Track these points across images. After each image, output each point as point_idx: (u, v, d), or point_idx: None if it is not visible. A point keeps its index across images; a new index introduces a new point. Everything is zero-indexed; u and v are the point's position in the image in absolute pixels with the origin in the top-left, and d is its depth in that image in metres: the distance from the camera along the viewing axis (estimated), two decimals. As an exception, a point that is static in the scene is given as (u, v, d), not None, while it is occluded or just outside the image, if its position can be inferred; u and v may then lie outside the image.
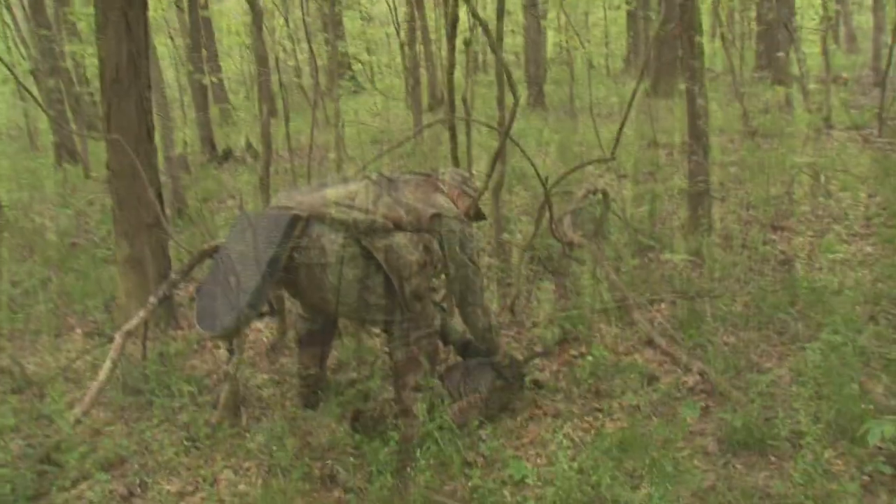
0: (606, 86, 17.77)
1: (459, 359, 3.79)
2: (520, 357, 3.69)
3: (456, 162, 4.34)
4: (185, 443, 3.38)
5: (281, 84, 7.52)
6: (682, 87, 13.19)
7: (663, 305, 4.58)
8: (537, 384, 3.71)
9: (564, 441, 3.02)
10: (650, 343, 4.08)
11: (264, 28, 6.68)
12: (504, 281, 5.11)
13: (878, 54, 14.44)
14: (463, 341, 3.80)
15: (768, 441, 3.06)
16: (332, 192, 3.16)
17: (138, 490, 3.10)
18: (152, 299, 3.88)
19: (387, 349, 3.42)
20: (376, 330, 3.82)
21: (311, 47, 8.39)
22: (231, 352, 3.81)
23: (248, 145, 12.51)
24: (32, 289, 6.03)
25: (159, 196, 5.01)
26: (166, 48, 22.83)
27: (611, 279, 4.48)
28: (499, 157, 3.57)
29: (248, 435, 3.49)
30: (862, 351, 3.64)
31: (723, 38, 11.48)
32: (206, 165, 11.87)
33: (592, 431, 3.28)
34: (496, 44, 3.58)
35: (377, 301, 3.12)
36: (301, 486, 3.00)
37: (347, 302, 3.11)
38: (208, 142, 12.66)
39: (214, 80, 13.65)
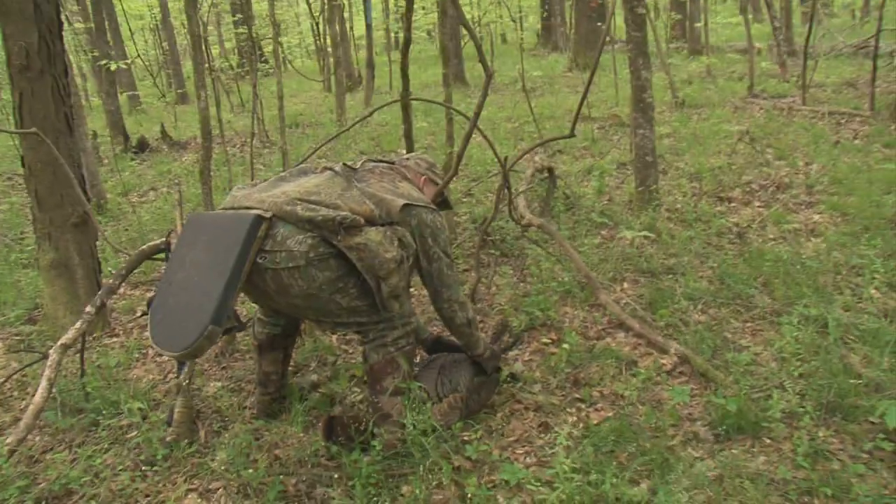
0: (526, 61, 17.70)
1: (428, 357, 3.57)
2: (496, 349, 3.49)
3: (410, 143, 4.09)
4: (141, 467, 3.06)
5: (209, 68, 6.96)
6: (604, 59, 13.20)
7: (626, 285, 4.46)
8: (513, 377, 3.53)
9: (559, 438, 2.83)
10: (621, 325, 3.94)
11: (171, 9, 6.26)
12: (459, 267, 4.91)
13: (788, 23, 14.75)
14: (431, 338, 3.59)
15: (762, 423, 2.96)
16: (294, 188, 2.87)
17: (91, 525, 2.78)
18: (89, 309, 3.51)
19: (353, 356, 3.16)
20: (348, 332, 3.55)
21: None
22: (242, 324, 3.51)
23: (164, 133, 11.93)
24: (-60, 299, 5.51)
25: (85, 192, 4.60)
26: (65, 33, 21.78)
27: (573, 259, 4.32)
28: (469, 136, 3.34)
29: (209, 452, 3.21)
30: (837, 322, 3.58)
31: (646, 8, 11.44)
32: (120, 156, 11.25)
33: (580, 425, 3.12)
34: (460, 18, 3.34)
35: (351, 304, 2.86)
36: (276, 507, 2.74)
37: (318, 307, 2.85)
38: (120, 131, 12.01)
39: (123, 65, 12.91)
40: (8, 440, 3.08)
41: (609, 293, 4.29)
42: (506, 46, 23.17)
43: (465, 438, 3.07)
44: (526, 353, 3.82)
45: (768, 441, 2.92)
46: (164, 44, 21.38)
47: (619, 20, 13.78)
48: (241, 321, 2.85)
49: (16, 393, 3.97)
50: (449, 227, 5.17)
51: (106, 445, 3.24)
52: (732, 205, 5.74)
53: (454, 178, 3.50)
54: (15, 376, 4.02)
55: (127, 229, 7.04)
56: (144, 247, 3.70)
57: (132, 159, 11.07)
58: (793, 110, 8.87)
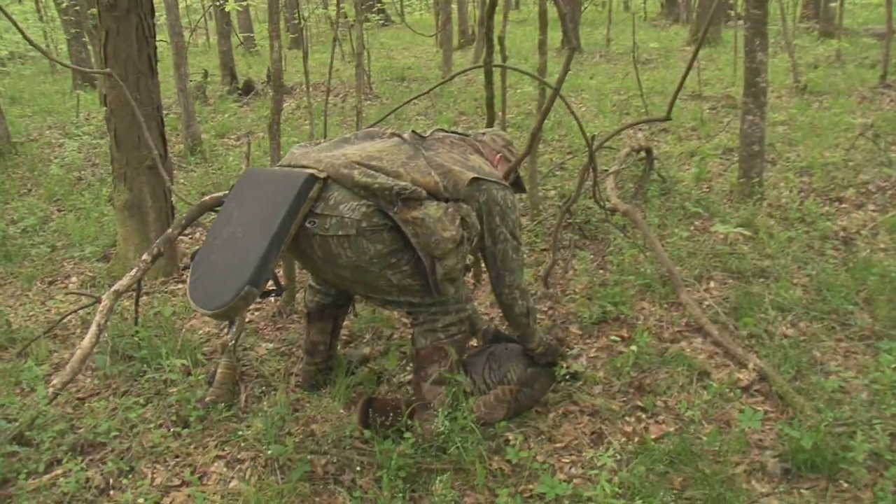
0: (645, 30, 16.99)
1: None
2: (556, 342, 3.27)
3: (491, 109, 3.85)
4: (174, 426, 3.01)
5: (299, 17, 6.88)
6: (726, 34, 12.50)
7: (713, 284, 4.13)
8: (574, 376, 3.30)
9: (608, 452, 2.61)
10: (699, 330, 3.64)
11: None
12: (537, 247, 4.68)
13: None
14: (490, 331, 3.40)
15: (841, 464, 2.64)
16: (356, 150, 2.70)
17: (118, 481, 2.73)
18: (146, 257, 3.47)
19: (410, 332, 2.99)
20: (399, 312, 3.38)
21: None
22: (283, 288, 3.44)
23: (270, 77, 12.00)
24: (31, 228, 5.67)
25: (162, 136, 4.59)
26: (188, -29, 22.20)
27: (657, 251, 4.02)
28: (546, 112, 3.09)
29: (246, 418, 3.13)
30: (946, 357, 3.19)
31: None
32: (225, 97, 11.40)
33: (636, 438, 2.88)
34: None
35: (403, 281, 2.68)
36: (301, 487, 2.62)
37: (367, 280, 2.69)
38: (229, 72, 12.17)
39: (238, 7, 13.04)
40: (53, 381, 3.08)
41: (691, 292, 3.98)
42: (627, 14, 22.34)
43: (509, 438, 2.88)
44: (592, 349, 3.58)
45: (845, 485, 2.61)
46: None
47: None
48: (280, 284, 2.72)
49: (78, 331, 4.00)
50: (533, 202, 4.94)
51: (144, 399, 3.20)
52: (843, 206, 5.27)
53: (527, 157, 3.25)
54: (81, 313, 4.07)
55: (215, 172, 7.08)
56: (206, 198, 3.61)
57: (236, 101, 11.19)
58: (928, 104, 8.12)
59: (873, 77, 9.70)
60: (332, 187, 2.58)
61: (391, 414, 2.87)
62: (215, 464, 2.81)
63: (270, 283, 2.66)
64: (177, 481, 2.73)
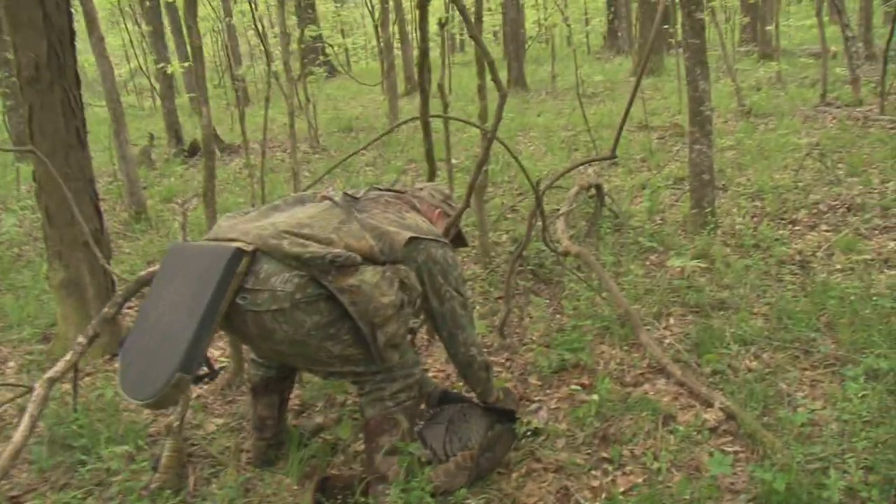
0: (589, 64, 17.21)
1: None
2: (515, 396, 3.14)
3: (431, 161, 3.76)
4: (116, 521, 2.81)
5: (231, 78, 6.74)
6: (668, 62, 12.70)
7: (672, 321, 4.04)
8: (535, 432, 3.17)
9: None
10: (662, 371, 3.53)
11: (235, 12, 6.06)
12: (491, 296, 4.56)
13: (868, 25, 13.94)
14: (438, 392, 3.25)
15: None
16: (285, 218, 2.57)
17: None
18: (81, 339, 3.28)
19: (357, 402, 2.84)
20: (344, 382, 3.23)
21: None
22: (217, 371, 3.25)
23: (215, 137, 11.85)
24: (-35, 310, 5.40)
25: (97, 209, 4.41)
26: (131, 34, 22.06)
27: (612, 292, 3.93)
28: (483, 163, 2.99)
29: (194, 503, 2.94)
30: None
31: (713, 10, 10.88)
32: (171, 160, 11.22)
33: (603, 494, 2.74)
34: (475, 27, 3.00)
35: (344, 352, 2.54)
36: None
37: (307, 354, 2.54)
38: (175, 134, 12.01)
39: (181, 68, 12.95)
40: (-17, 481, 2.86)
41: (651, 331, 3.88)
42: (570, 49, 22.68)
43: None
44: (553, 400, 3.45)
45: (823, 527, 2.50)
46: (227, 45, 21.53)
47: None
48: (213, 368, 2.55)
49: (15, 421, 3.77)
50: (484, 249, 4.83)
51: (87, 491, 3.00)
52: (797, 228, 5.25)
53: (469, 208, 3.14)
54: (19, 401, 3.84)
55: (161, 239, 6.89)
56: (144, 273, 3.45)
57: (182, 163, 11.02)
58: (869, 120, 8.24)
59: (814, 96, 9.87)
60: (262, 260, 2.43)
61: (346, 492, 2.70)
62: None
63: (204, 366, 2.49)
64: None
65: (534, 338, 4.02)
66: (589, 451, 3.05)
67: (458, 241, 3.19)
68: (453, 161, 6.61)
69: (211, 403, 3.78)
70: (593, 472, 2.91)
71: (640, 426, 3.14)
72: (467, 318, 2.81)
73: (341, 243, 2.47)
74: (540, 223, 3.98)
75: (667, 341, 3.80)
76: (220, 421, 3.59)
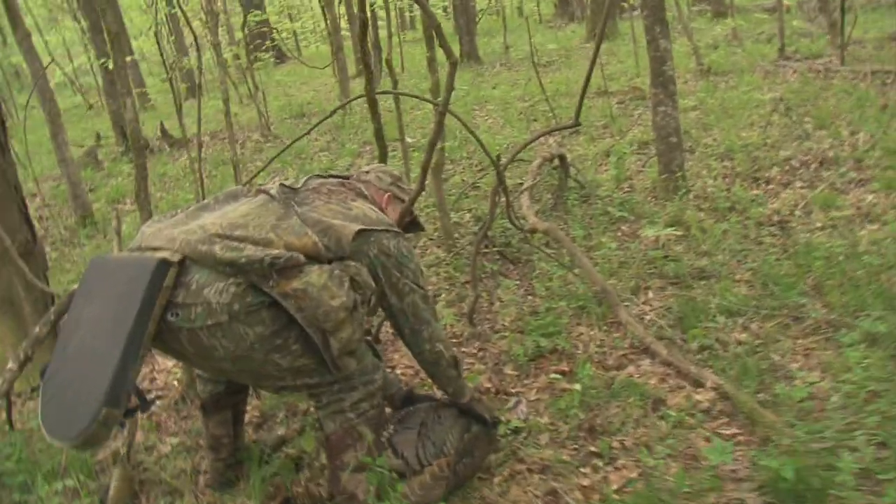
0: (541, 33, 16.92)
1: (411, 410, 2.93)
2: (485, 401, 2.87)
3: (381, 142, 3.45)
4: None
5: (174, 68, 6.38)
6: (623, 27, 12.52)
7: (651, 295, 3.79)
8: (516, 430, 2.91)
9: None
10: (646, 350, 3.29)
11: (179, 3, 5.65)
12: (457, 280, 4.28)
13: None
14: (402, 393, 2.98)
15: (830, 490, 2.30)
16: (216, 219, 2.25)
17: None
18: (11, 365, 2.95)
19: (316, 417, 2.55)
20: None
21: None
22: (121, 423, 2.93)
23: (163, 132, 11.41)
24: None
25: (26, 218, 4.05)
26: (74, 32, 21.31)
27: (586, 269, 3.67)
28: (436, 139, 2.70)
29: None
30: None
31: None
32: (119, 160, 10.77)
33: (595, 495, 2.49)
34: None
35: (295, 363, 2.24)
36: None
37: (253, 369, 2.25)
38: (121, 132, 11.50)
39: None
40: None
41: (630, 308, 3.64)
42: (522, 19, 22.33)
43: (451, 521, 2.46)
44: (532, 392, 3.19)
45: (839, 514, 2.27)
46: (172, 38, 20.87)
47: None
48: (145, 399, 2.22)
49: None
50: (446, 231, 4.55)
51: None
52: (770, 187, 5.03)
53: (423, 191, 2.86)
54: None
55: (109, 243, 6.51)
56: (77, 287, 3.10)
57: (130, 162, 10.56)
58: (830, 72, 8.07)
59: (772, 51, 9.70)
60: (192, 269, 2.12)
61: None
62: None
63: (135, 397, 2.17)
64: None
65: (506, 324, 3.75)
66: (576, 445, 2.79)
67: (413, 226, 2.91)
68: (408, 140, 6.31)
69: (164, 421, 3.46)
70: (582, 470, 2.65)
71: (628, 414, 2.89)
72: (430, 311, 2.53)
73: (280, 243, 2.17)
74: (503, 200, 3.71)
75: (648, 318, 3.56)
76: (174, 440, 3.27)
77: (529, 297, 3.99)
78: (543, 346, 3.40)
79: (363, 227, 2.33)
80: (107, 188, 8.99)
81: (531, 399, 3.14)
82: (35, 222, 7.09)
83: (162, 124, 11.55)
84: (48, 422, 2.05)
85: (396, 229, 2.45)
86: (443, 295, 4.20)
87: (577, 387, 2.97)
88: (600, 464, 2.67)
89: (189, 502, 2.81)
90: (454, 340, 3.72)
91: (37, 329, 3.08)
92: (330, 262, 2.24)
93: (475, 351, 3.60)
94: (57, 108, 7.52)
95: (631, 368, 3.22)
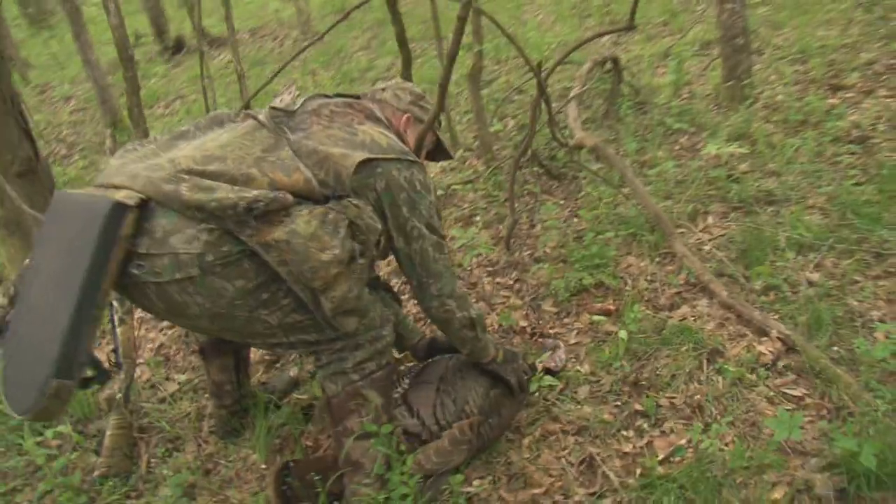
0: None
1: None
2: (512, 350, 2.55)
3: (404, 49, 3.05)
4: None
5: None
6: None
7: (711, 220, 3.37)
8: (550, 372, 2.59)
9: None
10: (703, 289, 2.91)
11: None
12: (497, 200, 3.91)
13: None
14: (424, 342, 2.66)
15: (918, 475, 1.95)
16: (191, 151, 1.89)
17: None
18: (1, 300, 2.71)
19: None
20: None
21: None
22: (118, 364, 2.70)
23: (203, 31, 10.92)
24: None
25: (27, 133, 3.76)
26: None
27: (638, 192, 3.26)
28: (455, 49, 2.28)
29: (148, 490, 2.45)
30: None
31: None
32: (154, 60, 10.39)
33: (637, 469, 2.18)
34: None
35: (286, 319, 1.94)
36: None
37: (237, 328, 1.94)
38: (158, 30, 11.05)
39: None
40: None
41: (687, 237, 3.24)
42: None
43: (472, 490, 2.18)
44: (572, 334, 2.86)
45: (927, 504, 1.93)
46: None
47: None
48: (104, 370, 1.93)
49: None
50: (484, 144, 4.14)
51: (13, 485, 2.51)
52: (849, 95, 4.47)
53: (442, 114, 2.46)
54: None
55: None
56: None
57: (167, 62, 10.19)
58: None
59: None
60: (157, 213, 1.78)
61: (319, 478, 2.16)
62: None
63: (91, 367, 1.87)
64: None
65: (547, 251, 3.39)
66: (618, 402, 2.48)
67: (438, 154, 2.52)
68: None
69: (173, 356, 3.24)
70: (624, 433, 2.35)
71: (679, 366, 2.54)
72: (443, 263, 2.16)
73: (264, 180, 1.82)
74: (546, 113, 3.29)
75: (706, 248, 3.16)
76: (182, 377, 3.05)
77: (574, 221, 3.61)
78: (587, 282, 3.04)
79: (369, 155, 1.95)
80: (141, 90, 8.66)
81: (571, 343, 2.81)
82: (66, 128, 6.85)
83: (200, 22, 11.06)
84: (6, 389, 1.79)
85: (412, 157, 2.07)
86: (479, 216, 3.84)
87: (623, 334, 2.62)
88: (645, 426, 2.36)
89: (190, 451, 2.60)
90: (489, 268, 3.39)
91: (28, 260, 2.83)
92: (327, 200, 1.88)
93: (511, 282, 3.26)
94: (75, 5, 7.11)
95: (685, 309, 2.85)
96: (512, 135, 4.70)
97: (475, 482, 2.22)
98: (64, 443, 2.73)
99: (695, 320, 2.76)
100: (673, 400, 2.42)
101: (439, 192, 4.11)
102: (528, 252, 3.42)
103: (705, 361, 2.55)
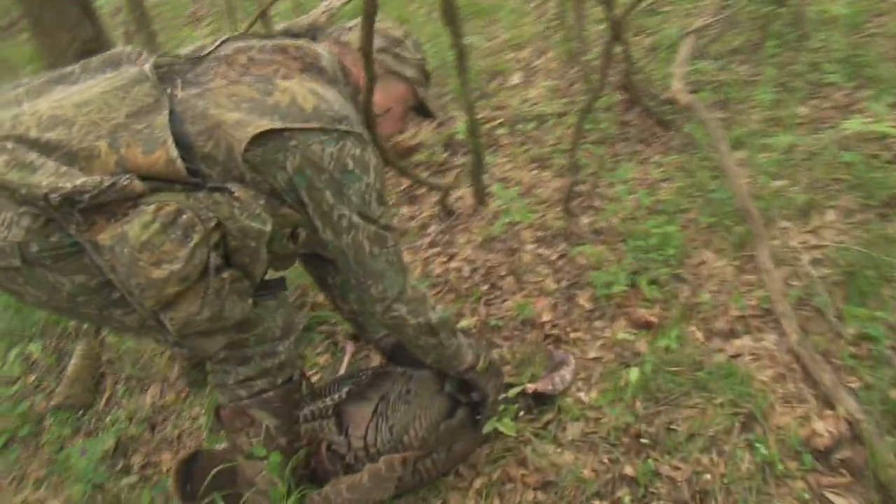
0: None
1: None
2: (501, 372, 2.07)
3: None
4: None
5: None
6: None
7: (830, 218, 2.61)
8: (539, 399, 2.11)
9: None
10: (776, 321, 2.25)
11: None
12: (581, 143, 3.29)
13: None
14: (391, 342, 2.22)
15: None
16: (46, 106, 1.47)
17: None
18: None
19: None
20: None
21: None
22: None
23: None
24: None
25: (87, 12, 3.52)
26: None
27: (729, 174, 2.57)
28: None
29: (97, 432, 2.30)
30: None
31: None
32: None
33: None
34: None
35: (149, 322, 1.57)
36: None
37: (90, 321, 1.63)
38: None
39: None
40: None
41: (785, 238, 2.53)
42: None
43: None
44: (594, 348, 2.32)
45: None
46: None
47: None
48: None
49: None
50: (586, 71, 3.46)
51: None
52: None
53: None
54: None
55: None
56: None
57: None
58: None
59: None
60: None
61: (222, 479, 1.85)
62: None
63: None
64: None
65: (609, 223, 2.79)
66: (609, 457, 1.97)
67: (424, 111, 1.98)
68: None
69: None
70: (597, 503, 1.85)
71: (704, 424, 1.98)
72: (385, 259, 1.68)
73: (111, 157, 1.40)
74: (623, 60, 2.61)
75: (802, 261, 2.45)
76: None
77: (661, 188, 2.96)
78: (638, 278, 2.46)
79: (276, 125, 1.48)
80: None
81: (588, 357, 2.29)
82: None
83: None
84: None
85: (346, 127, 1.57)
86: (554, 159, 3.25)
87: (647, 365, 2.07)
88: (627, 499, 1.85)
89: (151, 395, 2.37)
90: (538, 232, 2.85)
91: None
92: (197, 186, 1.45)
93: (555, 257, 2.72)
94: None
95: (744, 342, 2.23)
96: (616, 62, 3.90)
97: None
98: (31, 362, 2.59)
99: (749, 361, 2.15)
100: (675, 473, 1.88)
101: (528, 122, 3.53)
102: (590, 220, 2.84)
103: (738, 427, 1.96)
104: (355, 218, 1.61)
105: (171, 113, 1.47)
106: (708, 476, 1.85)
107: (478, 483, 1.94)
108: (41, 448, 2.26)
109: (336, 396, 1.98)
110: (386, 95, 1.81)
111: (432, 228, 3.03)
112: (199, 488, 1.85)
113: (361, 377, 2.05)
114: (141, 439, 2.27)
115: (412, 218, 3.12)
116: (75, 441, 2.27)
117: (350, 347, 2.39)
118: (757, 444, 1.89)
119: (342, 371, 2.34)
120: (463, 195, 3.13)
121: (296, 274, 2.45)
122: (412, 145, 3.38)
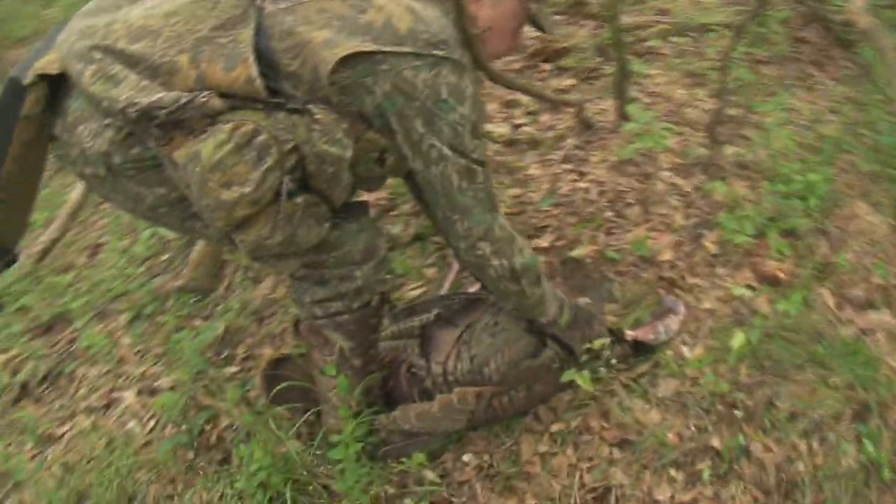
0: None
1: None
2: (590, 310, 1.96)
3: None
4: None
5: None
6: None
7: None
8: (638, 348, 1.99)
9: None
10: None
11: None
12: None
13: None
14: None
15: None
16: (137, 15, 1.44)
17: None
18: None
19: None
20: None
21: None
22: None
23: None
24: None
25: None
26: None
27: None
28: None
29: (213, 316, 2.43)
30: None
31: None
32: None
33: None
34: None
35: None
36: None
37: (178, 230, 1.67)
38: None
39: None
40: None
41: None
42: None
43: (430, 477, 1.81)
44: (711, 297, 2.15)
45: None
46: None
47: None
48: (10, 253, 1.70)
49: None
50: None
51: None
52: None
53: None
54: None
55: None
56: None
57: None
58: None
59: None
60: (74, 93, 1.46)
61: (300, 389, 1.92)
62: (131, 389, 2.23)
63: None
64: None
65: (757, 158, 2.53)
66: (697, 423, 1.85)
67: (536, 25, 1.80)
68: None
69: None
70: (671, 472, 1.76)
71: (809, 405, 1.81)
72: (473, 194, 1.58)
73: (192, 73, 1.37)
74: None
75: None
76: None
77: (828, 120, 2.63)
78: (773, 224, 2.23)
79: (366, 47, 1.40)
80: None
81: (702, 308, 2.13)
82: None
83: None
84: None
85: (442, 52, 1.45)
86: (702, 89, 2.96)
87: (755, 328, 1.90)
88: (705, 475, 1.75)
89: (265, 287, 2.51)
90: (678, 159, 2.63)
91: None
92: (276, 105, 1.41)
93: (689, 189, 2.51)
94: None
95: (880, 316, 2.00)
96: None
97: (430, 472, 1.82)
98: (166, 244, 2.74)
99: (883, 341, 1.92)
100: (765, 455, 1.75)
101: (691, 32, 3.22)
102: (735, 151, 2.58)
103: (850, 414, 1.78)
104: (446, 150, 1.52)
105: (258, 27, 1.41)
106: (801, 465, 1.70)
107: (554, 428, 1.88)
108: (162, 327, 2.40)
109: (424, 317, 1.96)
110: (494, 11, 1.66)
111: (568, 141, 2.85)
112: (283, 392, 1.91)
113: (454, 301, 2.01)
114: (248, 331, 2.36)
115: (550, 128, 2.94)
116: (192, 323, 2.40)
117: (455, 265, 2.34)
118: (866, 440, 1.71)
119: (445, 288, 2.30)
120: (607, 108, 2.92)
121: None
122: (561, 48, 3.17)
